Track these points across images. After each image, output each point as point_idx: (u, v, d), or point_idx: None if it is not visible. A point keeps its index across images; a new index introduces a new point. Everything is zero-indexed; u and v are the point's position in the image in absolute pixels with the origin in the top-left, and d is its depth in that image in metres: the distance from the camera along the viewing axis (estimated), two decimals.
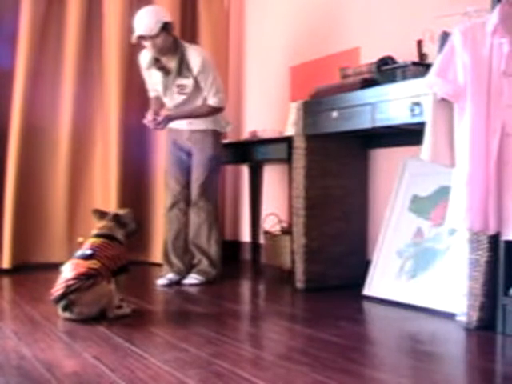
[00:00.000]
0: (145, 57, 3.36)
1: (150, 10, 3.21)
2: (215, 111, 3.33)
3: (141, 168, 4.21)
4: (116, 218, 2.66)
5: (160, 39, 3.16)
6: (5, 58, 3.80)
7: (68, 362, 1.82)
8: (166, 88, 3.33)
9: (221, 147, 3.49)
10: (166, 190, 3.54)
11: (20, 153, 3.80)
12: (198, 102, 3.33)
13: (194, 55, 3.25)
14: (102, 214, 2.69)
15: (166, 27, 3.17)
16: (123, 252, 2.61)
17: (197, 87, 3.29)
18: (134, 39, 3.20)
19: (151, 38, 3.14)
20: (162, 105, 3.45)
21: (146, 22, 3.13)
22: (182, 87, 3.30)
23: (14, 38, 3.80)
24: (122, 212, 2.74)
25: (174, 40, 3.26)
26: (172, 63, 3.27)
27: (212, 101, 3.28)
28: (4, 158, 3.79)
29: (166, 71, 3.30)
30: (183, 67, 3.25)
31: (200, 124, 3.36)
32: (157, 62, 3.30)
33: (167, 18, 3.22)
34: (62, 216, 3.98)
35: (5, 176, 3.78)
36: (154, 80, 3.40)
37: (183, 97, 3.32)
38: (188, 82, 3.27)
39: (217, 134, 3.42)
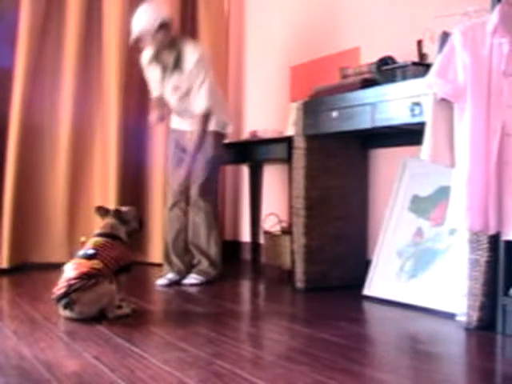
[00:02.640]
0: (146, 54, 3.38)
1: (148, 8, 3.21)
2: (206, 118, 3.26)
3: (140, 168, 4.21)
4: (118, 215, 2.65)
5: (159, 35, 3.18)
6: (4, 56, 3.80)
7: (68, 361, 1.82)
8: (162, 85, 3.34)
9: (221, 148, 3.48)
10: (167, 190, 3.54)
11: (19, 152, 3.80)
12: (190, 105, 3.32)
13: (191, 52, 3.25)
14: (105, 212, 2.69)
15: (164, 24, 3.18)
16: (126, 251, 2.60)
17: (190, 88, 3.28)
18: (131, 40, 3.22)
19: (150, 35, 3.16)
20: (164, 104, 3.44)
21: (144, 20, 3.15)
22: (175, 87, 3.31)
23: (13, 37, 3.80)
24: (124, 209, 2.73)
25: (173, 37, 3.27)
26: (170, 59, 3.28)
27: (198, 108, 3.24)
28: (3, 157, 3.79)
29: (164, 67, 3.32)
30: (179, 63, 3.26)
31: None
32: (156, 58, 3.32)
33: (165, 15, 3.24)
34: (60, 216, 3.98)
35: (4, 175, 3.78)
36: (152, 78, 3.41)
37: (178, 95, 3.31)
38: (182, 80, 3.27)
39: (217, 135, 3.41)
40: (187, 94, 3.30)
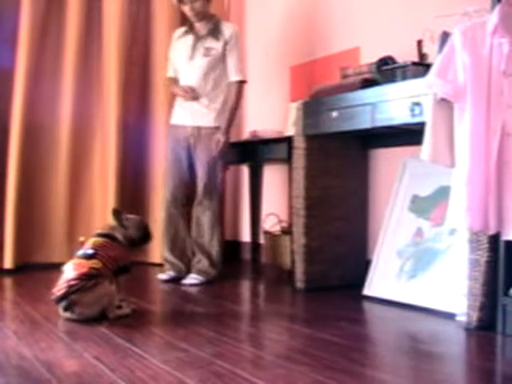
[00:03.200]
0: (179, 31, 3.52)
1: None
2: (241, 87, 3.40)
3: (140, 167, 4.21)
4: (117, 216, 2.63)
5: (197, 4, 3.31)
6: (5, 56, 3.80)
7: (68, 361, 1.82)
8: (193, 50, 3.38)
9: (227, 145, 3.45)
10: (164, 188, 3.53)
11: (21, 152, 3.79)
12: (218, 74, 3.36)
13: (228, 25, 3.44)
14: (115, 214, 2.66)
15: None
16: (125, 252, 2.59)
17: (222, 56, 3.35)
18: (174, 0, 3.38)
19: (190, 1, 3.29)
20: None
21: None
22: (208, 49, 3.36)
23: (14, 37, 3.80)
24: (130, 216, 2.69)
25: (210, 12, 3.41)
26: (204, 29, 3.39)
27: (237, 73, 3.37)
28: (5, 158, 3.79)
29: (197, 36, 3.40)
30: (215, 32, 3.37)
31: (205, 121, 3.36)
32: (189, 30, 3.43)
33: None
34: (62, 216, 3.98)
35: (6, 176, 3.77)
36: (181, 48, 3.43)
37: (207, 59, 3.34)
38: (217, 45, 3.35)
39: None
40: (219, 60, 3.35)
